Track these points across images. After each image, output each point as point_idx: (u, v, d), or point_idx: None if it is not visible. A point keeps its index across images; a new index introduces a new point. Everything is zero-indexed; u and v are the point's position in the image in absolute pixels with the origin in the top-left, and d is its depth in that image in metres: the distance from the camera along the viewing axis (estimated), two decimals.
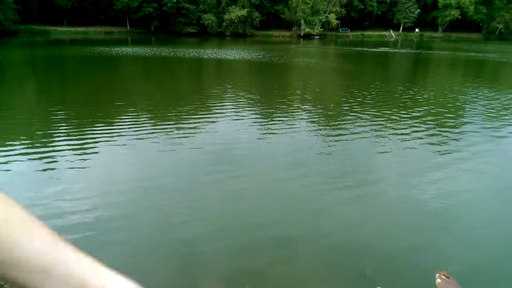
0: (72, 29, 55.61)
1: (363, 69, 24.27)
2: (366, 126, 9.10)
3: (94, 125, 8.63)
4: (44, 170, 6.12)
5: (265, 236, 4.51)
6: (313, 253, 4.21)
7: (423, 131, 8.80)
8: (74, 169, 6.19)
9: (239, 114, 10.04)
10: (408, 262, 4.09)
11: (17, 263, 0.30)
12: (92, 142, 7.43)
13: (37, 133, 8.08)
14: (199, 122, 9.12)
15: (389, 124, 9.31)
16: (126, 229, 4.58)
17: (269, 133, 8.44)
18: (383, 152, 7.45)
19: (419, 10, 67.28)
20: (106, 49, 30.25)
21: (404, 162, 6.98)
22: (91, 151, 7.00)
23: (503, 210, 5.34)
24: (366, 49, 40.18)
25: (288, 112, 10.44)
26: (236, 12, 56.98)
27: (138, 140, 7.66)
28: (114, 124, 8.81)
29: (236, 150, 7.35)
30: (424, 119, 9.91)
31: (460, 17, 65.72)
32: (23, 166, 6.28)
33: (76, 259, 0.43)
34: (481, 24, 70.08)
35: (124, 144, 7.43)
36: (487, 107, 11.48)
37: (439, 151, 7.54)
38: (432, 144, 7.94)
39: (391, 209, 5.26)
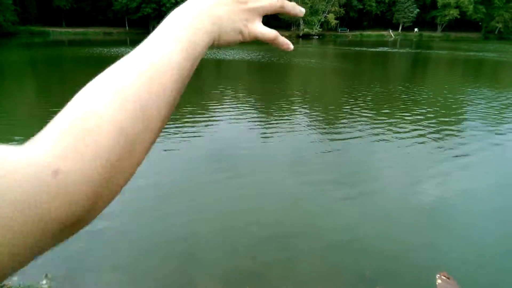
0: (70, 30, 55.64)
1: (362, 69, 24.28)
2: (366, 126, 9.10)
3: None
4: None
5: (264, 236, 4.51)
6: (313, 253, 4.20)
7: (422, 131, 8.80)
8: None
9: (238, 114, 10.03)
10: (408, 263, 4.08)
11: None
12: None
13: (35, 134, 8.04)
14: (198, 123, 9.11)
15: (388, 125, 9.31)
16: (125, 228, 4.57)
17: (269, 134, 8.43)
18: (383, 152, 7.45)
19: (418, 10, 67.36)
20: (105, 50, 30.24)
21: (403, 162, 6.98)
22: None
23: (503, 210, 5.34)
24: (365, 49, 40.21)
25: (288, 113, 10.44)
26: None
27: None
28: None
29: (235, 150, 7.35)
30: (424, 119, 9.91)
31: (459, 16, 65.79)
32: None
33: None
34: (480, 23, 70.15)
35: None
36: (487, 106, 11.48)
37: (439, 151, 7.54)
38: (432, 144, 7.94)
39: (391, 209, 5.26)
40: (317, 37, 62.57)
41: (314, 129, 8.95)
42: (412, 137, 8.27)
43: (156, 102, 0.37)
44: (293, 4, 0.46)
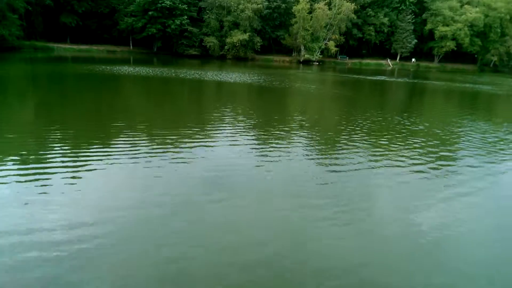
0: (75, 46, 56.41)
1: (361, 97, 24.65)
2: (363, 156, 9.20)
3: (91, 146, 8.67)
4: (36, 190, 6.12)
5: (257, 271, 4.46)
6: (306, 283, 4.20)
7: (419, 162, 8.90)
8: (66, 190, 6.19)
9: (237, 139, 10.13)
10: None
11: None
12: (87, 164, 7.44)
13: (31, 151, 8.08)
14: (196, 146, 9.19)
15: (386, 155, 9.42)
16: (116, 253, 4.56)
17: (267, 160, 8.50)
18: (380, 184, 7.50)
19: (415, 41, 68.95)
20: (108, 67, 30.66)
21: (400, 195, 7.04)
22: (85, 173, 7.01)
23: (498, 245, 5.39)
24: (364, 77, 40.92)
25: (286, 139, 10.55)
26: (238, 36, 58.17)
27: (134, 163, 7.68)
28: (111, 145, 8.86)
29: (232, 176, 7.38)
30: (421, 150, 10.04)
31: (455, 48, 67.33)
32: (15, 186, 6.28)
33: None
34: (476, 55, 71.74)
35: (120, 167, 7.46)
36: (483, 140, 11.65)
37: (436, 184, 7.62)
38: (429, 176, 8.02)
39: (387, 243, 5.28)
40: (317, 63, 63.64)
41: (312, 156, 9.03)
42: (410, 169, 8.36)
43: None
44: None
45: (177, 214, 5.65)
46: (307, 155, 9.10)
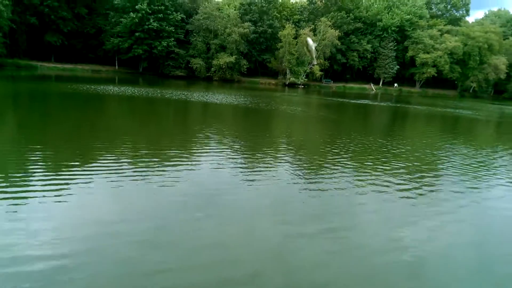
0: (59, 65, 55.87)
1: (345, 119, 24.94)
2: (348, 177, 9.13)
3: (72, 167, 8.34)
4: (14, 211, 5.77)
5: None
6: None
7: (403, 183, 8.88)
8: (47, 211, 5.87)
9: (222, 161, 9.93)
10: None
11: None
12: (68, 184, 7.12)
13: (10, 173, 7.72)
14: (181, 168, 8.95)
15: (369, 176, 9.37)
16: (97, 273, 4.28)
17: (252, 181, 8.32)
18: (364, 203, 7.43)
19: (398, 67, 71.14)
20: (92, 86, 30.32)
21: (384, 216, 6.93)
22: (66, 194, 6.69)
23: (478, 265, 5.38)
24: (348, 100, 41.63)
25: (272, 161, 10.42)
26: (225, 59, 58.78)
27: (117, 184, 7.38)
28: (93, 166, 8.52)
29: (217, 198, 7.17)
30: (404, 172, 10.05)
31: (436, 74, 69.59)
32: None
33: None
34: (456, 82, 74.25)
35: (102, 188, 7.16)
36: (463, 163, 11.77)
37: (419, 206, 7.56)
38: (412, 196, 7.99)
39: (370, 263, 5.17)
40: (302, 86, 64.67)
41: (297, 178, 8.90)
42: (392, 191, 8.30)
43: None
44: None
45: (160, 235, 5.41)
46: (292, 177, 8.96)
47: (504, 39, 73.54)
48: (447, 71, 69.25)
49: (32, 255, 4.64)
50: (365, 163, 10.81)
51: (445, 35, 70.23)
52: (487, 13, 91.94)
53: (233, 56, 59.72)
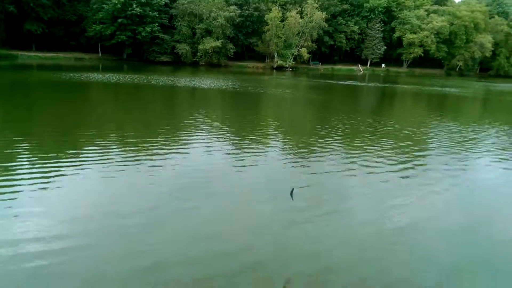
0: (40, 54, 54.26)
1: (334, 100, 24.89)
2: (339, 158, 9.12)
3: (59, 156, 8.11)
4: (2, 204, 5.60)
5: (235, 264, 4.40)
6: (282, 278, 4.10)
7: (393, 162, 8.91)
8: (35, 202, 5.72)
9: (212, 145, 9.80)
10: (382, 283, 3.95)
11: None
12: (55, 175, 6.91)
13: None
14: (170, 153, 8.80)
15: (361, 156, 9.37)
16: (89, 264, 4.19)
17: (243, 165, 8.24)
18: (353, 183, 7.43)
19: (385, 47, 71.02)
20: (75, 75, 29.56)
21: (372, 191, 6.95)
22: (54, 183, 6.52)
23: (465, 234, 5.51)
24: (336, 82, 41.54)
25: (262, 143, 10.33)
26: (211, 43, 57.78)
27: (105, 172, 7.20)
28: (81, 155, 8.28)
29: (208, 182, 7.08)
30: (394, 150, 10.08)
31: (423, 54, 69.80)
32: None
33: None
34: (442, 61, 74.66)
35: (91, 176, 6.98)
36: (450, 139, 11.88)
37: (410, 182, 7.62)
38: (403, 175, 8.03)
39: (360, 237, 5.23)
40: (290, 69, 64.25)
41: (288, 160, 8.85)
42: (384, 168, 8.33)
43: None
44: None
45: (153, 222, 5.31)
46: (283, 159, 8.91)
47: (490, 18, 73.80)
48: (433, 50, 69.48)
49: (20, 248, 4.51)
50: (355, 143, 10.81)
51: (432, 15, 70.19)
52: None
53: (219, 41, 58.76)
